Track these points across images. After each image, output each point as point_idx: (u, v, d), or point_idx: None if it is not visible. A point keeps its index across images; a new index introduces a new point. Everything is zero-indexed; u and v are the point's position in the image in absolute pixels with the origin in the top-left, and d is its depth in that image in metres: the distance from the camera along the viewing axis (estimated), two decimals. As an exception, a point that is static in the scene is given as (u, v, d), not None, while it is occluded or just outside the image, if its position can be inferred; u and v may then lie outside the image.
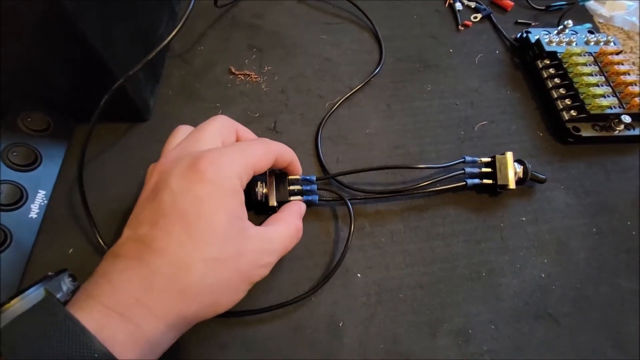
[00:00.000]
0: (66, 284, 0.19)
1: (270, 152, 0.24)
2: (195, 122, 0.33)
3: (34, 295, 0.18)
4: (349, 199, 0.29)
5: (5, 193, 0.27)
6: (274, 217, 0.25)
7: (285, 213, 0.26)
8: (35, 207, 0.28)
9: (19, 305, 0.17)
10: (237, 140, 0.26)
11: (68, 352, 0.16)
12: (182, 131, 0.25)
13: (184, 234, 0.19)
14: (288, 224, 0.24)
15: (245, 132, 0.26)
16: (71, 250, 0.27)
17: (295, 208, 0.26)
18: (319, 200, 0.29)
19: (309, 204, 0.28)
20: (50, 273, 0.20)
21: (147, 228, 0.20)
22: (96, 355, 0.16)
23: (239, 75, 0.37)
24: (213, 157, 0.21)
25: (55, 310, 0.17)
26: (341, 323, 0.26)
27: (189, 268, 0.19)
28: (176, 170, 0.21)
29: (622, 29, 0.44)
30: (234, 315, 0.26)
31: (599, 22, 0.44)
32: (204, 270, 0.19)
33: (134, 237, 0.20)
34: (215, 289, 0.20)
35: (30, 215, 0.27)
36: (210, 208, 0.20)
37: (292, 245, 0.24)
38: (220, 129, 0.24)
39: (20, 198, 0.27)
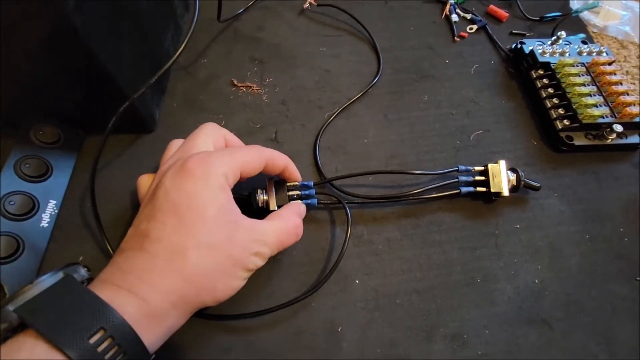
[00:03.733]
0: (81, 272, 0.22)
1: (259, 156, 0.26)
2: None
3: (53, 278, 0.20)
4: (346, 202, 0.30)
5: (18, 203, 0.28)
6: (273, 214, 0.27)
7: (283, 210, 0.27)
8: (47, 216, 0.29)
9: (38, 287, 0.19)
10: (226, 146, 0.28)
11: (87, 318, 0.18)
12: (176, 143, 0.28)
13: (177, 224, 0.21)
14: (285, 219, 0.26)
15: (233, 138, 0.29)
16: (81, 257, 0.29)
17: (294, 207, 0.28)
18: (317, 203, 0.30)
19: (309, 207, 0.29)
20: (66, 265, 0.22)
21: (145, 223, 0.22)
22: (113, 320, 0.18)
23: (241, 87, 0.38)
24: (201, 157, 0.23)
25: (73, 286, 0.19)
26: (340, 328, 0.27)
27: (184, 252, 0.21)
28: (169, 172, 0.23)
29: (616, 38, 0.45)
30: (235, 317, 0.27)
31: (593, 32, 0.45)
32: (197, 253, 0.21)
33: (135, 233, 0.22)
34: (210, 272, 0.22)
35: (41, 225, 0.29)
36: (200, 201, 0.22)
37: (289, 241, 0.25)
38: (209, 134, 0.27)
39: (32, 208, 0.29)
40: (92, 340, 0.17)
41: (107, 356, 0.18)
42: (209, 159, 0.23)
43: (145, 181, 0.27)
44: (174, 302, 0.21)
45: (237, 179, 0.25)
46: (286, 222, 0.26)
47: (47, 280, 0.19)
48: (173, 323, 0.21)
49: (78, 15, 0.24)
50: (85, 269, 0.22)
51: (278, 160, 0.28)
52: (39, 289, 0.19)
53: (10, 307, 0.18)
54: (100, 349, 0.17)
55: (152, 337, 0.20)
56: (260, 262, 0.24)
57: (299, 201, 0.29)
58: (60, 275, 0.20)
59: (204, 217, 0.22)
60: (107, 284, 0.20)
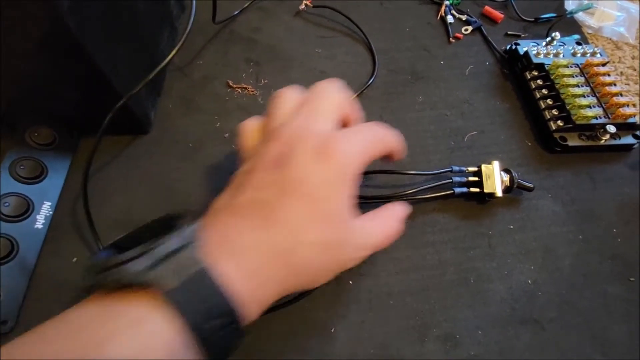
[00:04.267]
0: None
1: (389, 142, 0.25)
2: (194, 135, 0.35)
3: (177, 239, 0.18)
4: None
5: (13, 205, 0.28)
6: (377, 214, 0.25)
7: (388, 212, 0.25)
8: (41, 217, 0.29)
9: (168, 244, 0.18)
10: (347, 118, 0.25)
11: (211, 300, 0.17)
12: (290, 96, 0.25)
13: (305, 213, 0.20)
14: (389, 226, 0.24)
15: (354, 112, 0.26)
16: (75, 259, 0.29)
17: (398, 212, 0.25)
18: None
19: None
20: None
21: (271, 197, 0.20)
22: (230, 305, 0.18)
23: (237, 89, 0.38)
24: (343, 141, 0.22)
25: (198, 259, 0.18)
26: (333, 329, 0.27)
27: (304, 246, 0.20)
28: (304, 147, 0.21)
29: (610, 39, 0.45)
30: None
31: (588, 33, 0.45)
32: (314, 251, 0.20)
33: (257, 202, 0.21)
34: (313, 271, 0.21)
35: (36, 226, 0.29)
36: (333, 194, 0.21)
37: (385, 246, 0.24)
38: (338, 104, 0.24)
39: (26, 209, 0.29)
40: (214, 322, 0.17)
41: (223, 332, 0.18)
42: (350, 145, 0.22)
43: (252, 127, 0.26)
44: (278, 294, 0.20)
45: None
46: (390, 229, 0.24)
47: (165, 246, 0.18)
48: (264, 309, 0.21)
49: (73, 16, 0.24)
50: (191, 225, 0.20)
51: (397, 142, 0.26)
52: (164, 251, 0.17)
53: (139, 265, 0.17)
54: (221, 330, 0.18)
55: (250, 319, 0.20)
56: (355, 265, 0.23)
57: (401, 204, 0.26)
58: (182, 240, 0.18)
59: (331, 214, 0.21)
60: (222, 255, 0.19)
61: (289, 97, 0.25)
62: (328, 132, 0.22)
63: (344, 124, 0.25)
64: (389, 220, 0.25)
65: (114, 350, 0.16)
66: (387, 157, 0.26)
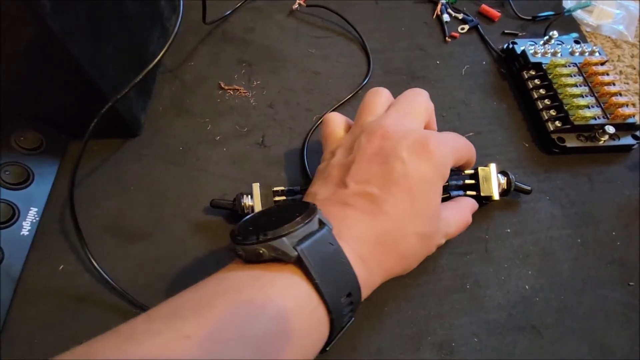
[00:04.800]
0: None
1: (470, 151, 0.28)
2: (185, 138, 0.34)
3: (310, 225, 0.20)
4: None
5: (-2, 212, 0.27)
6: (453, 204, 0.28)
7: (462, 203, 0.28)
8: (27, 224, 0.28)
9: (303, 230, 0.20)
10: (429, 124, 0.28)
11: (342, 281, 0.20)
12: (384, 96, 0.28)
13: (408, 206, 0.22)
14: (465, 216, 0.27)
15: (434, 120, 0.29)
16: (62, 266, 0.28)
17: (470, 203, 0.29)
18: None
19: None
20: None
21: (377, 189, 0.22)
22: (355, 286, 0.20)
23: (228, 90, 0.37)
24: (440, 141, 0.24)
25: (333, 242, 0.20)
26: (326, 336, 0.26)
27: (407, 236, 0.22)
28: (406, 143, 0.23)
29: (609, 37, 0.44)
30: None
31: (587, 31, 0.44)
32: (414, 241, 0.23)
33: (363, 193, 0.22)
34: (414, 258, 0.24)
35: (22, 233, 0.28)
36: (432, 189, 0.23)
37: (457, 234, 0.27)
38: (426, 110, 0.27)
39: (12, 216, 0.28)
40: (343, 301, 0.20)
41: (346, 312, 0.20)
42: (447, 144, 0.24)
43: (339, 119, 0.28)
44: (384, 278, 0.23)
45: None
46: (464, 219, 0.27)
47: (307, 227, 0.20)
48: (370, 292, 0.23)
49: (55, 19, 0.23)
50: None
51: (474, 156, 0.29)
52: (304, 232, 0.20)
53: (288, 242, 0.19)
54: (345, 309, 0.20)
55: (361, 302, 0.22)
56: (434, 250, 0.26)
57: (471, 199, 0.29)
58: (316, 224, 0.20)
59: (431, 207, 0.23)
60: (343, 241, 0.21)
61: (383, 95, 0.27)
62: (424, 132, 0.24)
63: (426, 129, 0.27)
64: (465, 210, 0.28)
65: (275, 305, 0.18)
66: (460, 167, 0.29)
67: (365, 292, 0.22)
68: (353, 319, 0.22)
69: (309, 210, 0.20)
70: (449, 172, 0.24)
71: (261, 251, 0.19)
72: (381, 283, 0.23)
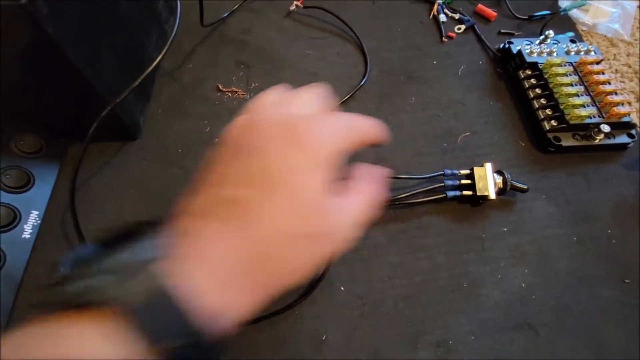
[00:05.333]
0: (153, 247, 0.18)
1: (364, 128, 0.22)
2: (183, 140, 0.35)
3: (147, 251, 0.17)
4: None
5: (-1, 215, 0.28)
6: (348, 185, 0.22)
7: (360, 182, 0.22)
8: (29, 227, 0.29)
9: (133, 256, 0.16)
10: None
11: (175, 324, 0.16)
12: (271, 93, 0.23)
13: (281, 205, 0.18)
14: (368, 194, 0.21)
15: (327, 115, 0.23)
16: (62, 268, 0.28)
17: (370, 174, 0.23)
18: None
19: None
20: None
21: (240, 189, 0.18)
22: (194, 329, 0.16)
23: (227, 92, 0.38)
24: (312, 127, 0.19)
25: (161, 276, 0.16)
26: (324, 336, 0.27)
27: (289, 243, 0.18)
28: (272, 132, 0.19)
29: (605, 36, 0.45)
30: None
31: (583, 30, 0.45)
32: (300, 246, 0.18)
33: (222, 197, 0.18)
34: (304, 267, 0.19)
35: (23, 236, 0.28)
36: (309, 180, 0.19)
37: (372, 215, 0.21)
38: (314, 100, 0.22)
39: (13, 219, 0.28)
40: (177, 343, 0.16)
41: (188, 351, 0.16)
42: (323, 132, 0.19)
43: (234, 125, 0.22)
44: (262, 299, 0.18)
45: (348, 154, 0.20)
46: (369, 197, 0.21)
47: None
48: (248, 315, 0.18)
49: (52, 22, 0.23)
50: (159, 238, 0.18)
51: (374, 130, 0.22)
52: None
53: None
54: (183, 350, 0.16)
55: (231, 327, 0.18)
56: (347, 247, 0.20)
57: (369, 166, 0.23)
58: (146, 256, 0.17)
59: (311, 203, 0.18)
60: (192, 266, 0.17)
61: (269, 94, 0.23)
62: (290, 117, 0.20)
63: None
64: (365, 188, 0.22)
65: None
66: (370, 146, 0.23)
67: (234, 316, 0.17)
68: (215, 349, 0.17)
69: (145, 234, 0.17)
70: (331, 158, 0.19)
71: (70, 294, 0.16)
72: (265, 301, 0.18)
